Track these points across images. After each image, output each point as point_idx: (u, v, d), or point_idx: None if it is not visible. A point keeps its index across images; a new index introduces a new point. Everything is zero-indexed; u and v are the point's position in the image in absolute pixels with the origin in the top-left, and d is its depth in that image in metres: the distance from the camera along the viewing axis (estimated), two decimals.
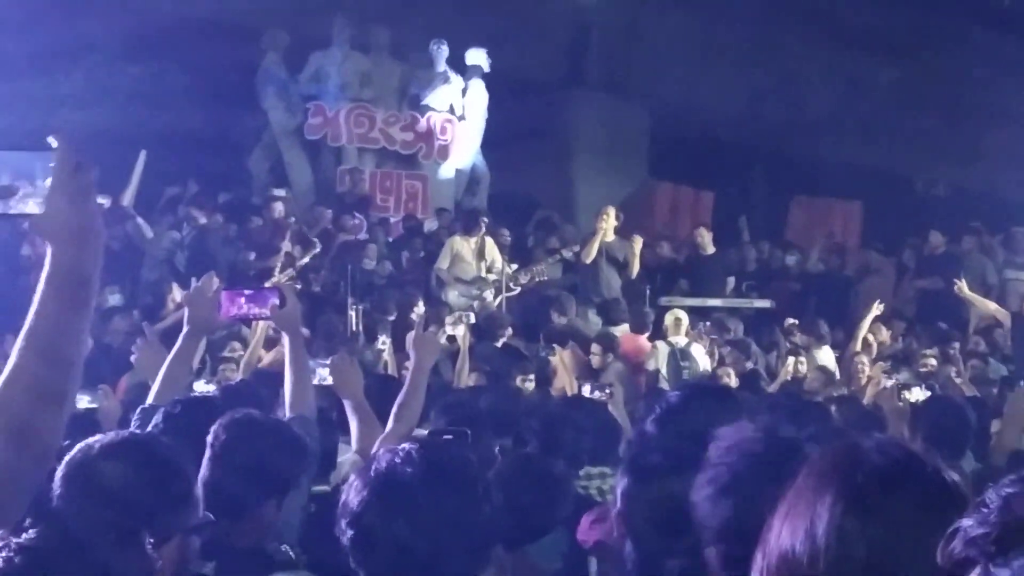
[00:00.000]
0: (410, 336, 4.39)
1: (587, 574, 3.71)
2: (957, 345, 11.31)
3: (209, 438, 3.05)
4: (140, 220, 12.97)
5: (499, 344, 10.26)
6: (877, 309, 11.32)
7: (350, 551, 2.20)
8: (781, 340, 11.69)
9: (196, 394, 4.14)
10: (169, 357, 4.02)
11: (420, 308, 10.80)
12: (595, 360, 9.82)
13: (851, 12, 17.41)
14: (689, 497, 2.73)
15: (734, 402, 4.22)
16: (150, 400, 3.88)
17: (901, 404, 6.03)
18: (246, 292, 4.09)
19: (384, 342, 10.12)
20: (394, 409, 4.12)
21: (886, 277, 14.47)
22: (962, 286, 11.74)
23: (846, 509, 1.47)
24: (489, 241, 12.94)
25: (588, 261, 12.61)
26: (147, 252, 12.67)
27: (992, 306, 11.86)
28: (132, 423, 3.79)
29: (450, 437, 2.91)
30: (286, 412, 3.65)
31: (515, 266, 13.17)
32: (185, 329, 4.03)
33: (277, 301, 3.92)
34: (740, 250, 14.94)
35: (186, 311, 4.08)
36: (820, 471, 1.54)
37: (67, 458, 2.43)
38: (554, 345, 9.88)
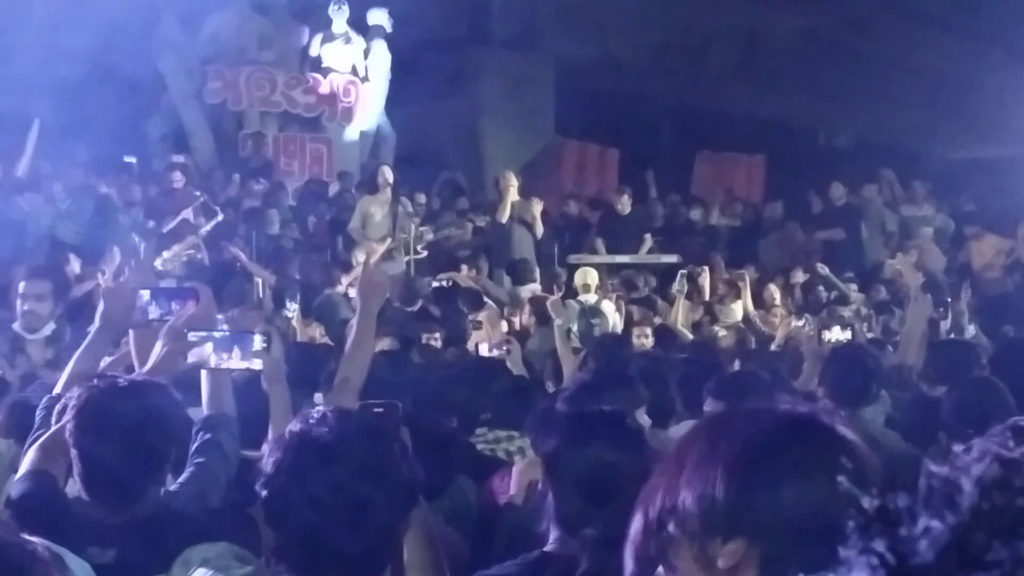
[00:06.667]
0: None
1: (496, 534, 3.71)
2: (853, 286, 11.79)
3: (69, 414, 2.95)
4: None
5: (415, 309, 10.23)
6: (799, 275, 11.70)
7: (264, 513, 2.20)
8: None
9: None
10: (78, 351, 3.89)
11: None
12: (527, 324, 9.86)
13: None
14: (617, 467, 2.76)
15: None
16: (57, 391, 3.75)
17: (820, 346, 6.08)
18: (164, 291, 3.94)
19: (292, 308, 10.01)
20: (341, 363, 3.91)
21: (789, 231, 14.70)
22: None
23: (744, 476, 1.49)
24: (402, 201, 12.88)
25: (504, 221, 12.68)
26: (27, 225, 12.18)
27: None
28: (38, 412, 3.67)
29: (381, 410, 2.87)
30: (204, 409, 3.55)
31: (423, 228, 13.13)
32: (97, 324, 3.90)
33: (193, 303, 3.80)
34: (647, 206, 15.04)
35: (100, 305, 3.94)
36: (729, 438, 1.55)
37: None
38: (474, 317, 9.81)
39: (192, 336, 3.52)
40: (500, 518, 3.74)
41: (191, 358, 3.51)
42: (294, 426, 2.25)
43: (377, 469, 2.17)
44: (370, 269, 4.04)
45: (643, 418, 4.18)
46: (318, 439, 2.17)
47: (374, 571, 2.23)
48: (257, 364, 3.61)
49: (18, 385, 5.35)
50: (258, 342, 3.61)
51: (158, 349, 3.47)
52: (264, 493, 2.18)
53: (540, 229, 12.88)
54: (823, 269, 12.18)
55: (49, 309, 5.70)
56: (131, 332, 3.92)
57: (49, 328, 5.70)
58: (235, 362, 3.62)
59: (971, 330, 9.06)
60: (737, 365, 6.70)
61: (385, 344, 8.06)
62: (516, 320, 10.07)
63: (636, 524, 1.57)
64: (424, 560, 2.68)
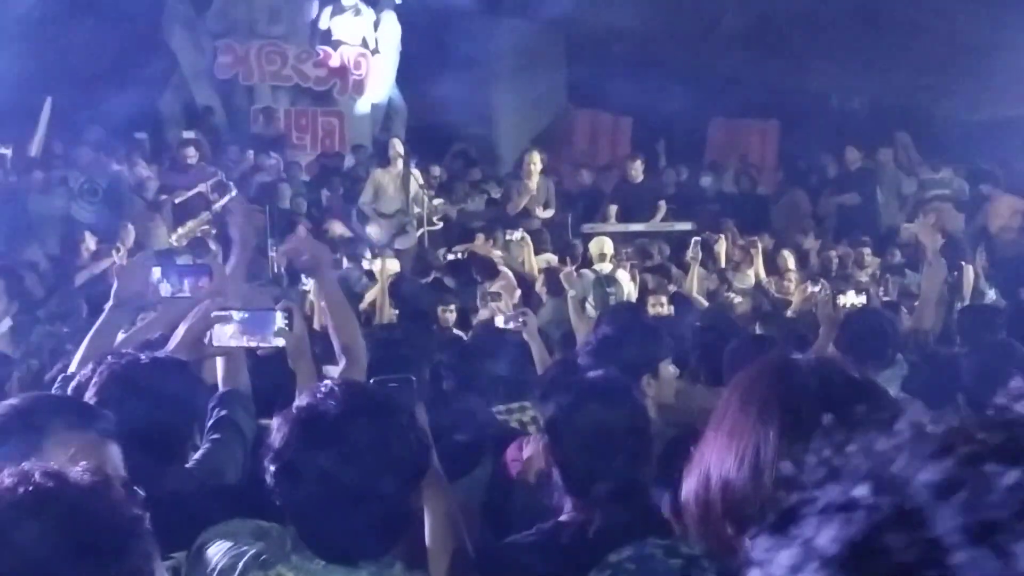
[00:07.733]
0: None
1: (511, 503, 3.70)
2: (867, 250, 11.74)
3: (91, 391, 2.94)
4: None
5: (428, 280, 10.22)
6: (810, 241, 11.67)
7: (274, 487, 2.21)
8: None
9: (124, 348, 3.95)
10: (92, 329, 3.89)
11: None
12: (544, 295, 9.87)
13: None
14: (616, 423, 2.77)
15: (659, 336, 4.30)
16: (72, 369, 3.74)
17: (835, 311, 6.04)
18: (176, 268, 3.90)
19: (307, 283, 9.99)
20: (337, 349, 3.77)
21: (796, 198, 14.64)
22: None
23: (792, 439, 1.46)
24: (414, 174, 12.85)
25: (521, 207, 12.75)
26: (36, 205, 12.14)
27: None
28: (54, 389, 3.65)
29: (395, 384, 2.85)
30: (219, 386, 3.53)
31: (438, 201, 13.11)
32: (111, 302, 3.89)
33: (208, 279, 3.76)
34: (659, 174, 14.99)
35: (115, 283, 3.93)
36: (762, 398, 1.52)
37: None
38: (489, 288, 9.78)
39: (213, 314, 3.49)
40: (513, 490, 3.74)
41: (216, 342, 3.46)
42: (301, 401, 2.27)
43: (383, 443, 2.18)
44: (300, 243, 3.91)
45: (670, 369, 4.14)
46: (325, 413, 2.19)
47: (384, 543, 2.24)
48: (280, 341, 3.54)
49: None
50: (280, 319, 3.56)
51: (182, 329, 3.44)
52: (273, 467, 2.19)
53: (552, 210, 12.97)
54: (842, 249, 12.16)
55: (3, 306, 5.67)
56: (161, 308, 3.89)
57: (6, 324, 5.67)
58: (258, 341, 3.58)
59: (991, 295, 9.01)
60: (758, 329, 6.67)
61: (394, 315, 8.10)
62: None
63: (694, 494, 1.53)
64: (445, 532, 2.67)
